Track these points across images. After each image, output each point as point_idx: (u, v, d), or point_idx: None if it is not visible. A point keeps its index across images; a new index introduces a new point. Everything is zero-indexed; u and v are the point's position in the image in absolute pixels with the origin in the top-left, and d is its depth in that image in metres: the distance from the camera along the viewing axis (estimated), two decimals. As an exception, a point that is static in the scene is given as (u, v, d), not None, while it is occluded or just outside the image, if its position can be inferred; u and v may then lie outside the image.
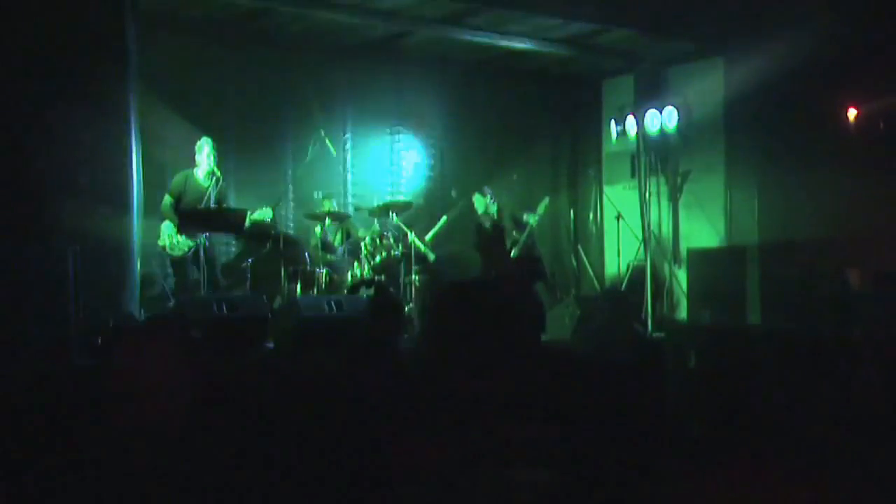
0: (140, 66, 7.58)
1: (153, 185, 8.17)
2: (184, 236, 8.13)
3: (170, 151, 8.94)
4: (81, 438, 2.41)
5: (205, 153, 8.24)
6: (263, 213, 8.33)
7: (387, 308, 4.65)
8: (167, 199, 8.20)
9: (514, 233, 9.71)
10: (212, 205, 8.17)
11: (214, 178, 8.19)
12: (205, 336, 6.61)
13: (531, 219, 9.64)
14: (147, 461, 2.13)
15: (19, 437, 2.52)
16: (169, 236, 8.14)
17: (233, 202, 9.06)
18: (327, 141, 9.46)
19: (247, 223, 8.30)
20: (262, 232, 8.81)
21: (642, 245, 10.56)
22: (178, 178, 8.29)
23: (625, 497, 2.10)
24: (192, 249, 8.10)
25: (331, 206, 9.30)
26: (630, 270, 10.71)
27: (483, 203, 9.84)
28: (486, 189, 9.93)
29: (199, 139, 8.37)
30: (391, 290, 8.69)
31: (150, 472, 2.10)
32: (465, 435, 2.32)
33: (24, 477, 2.16)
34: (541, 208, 9.72)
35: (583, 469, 2.20)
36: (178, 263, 8.25)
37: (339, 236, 9.47)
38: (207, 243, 8.14)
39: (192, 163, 8.35)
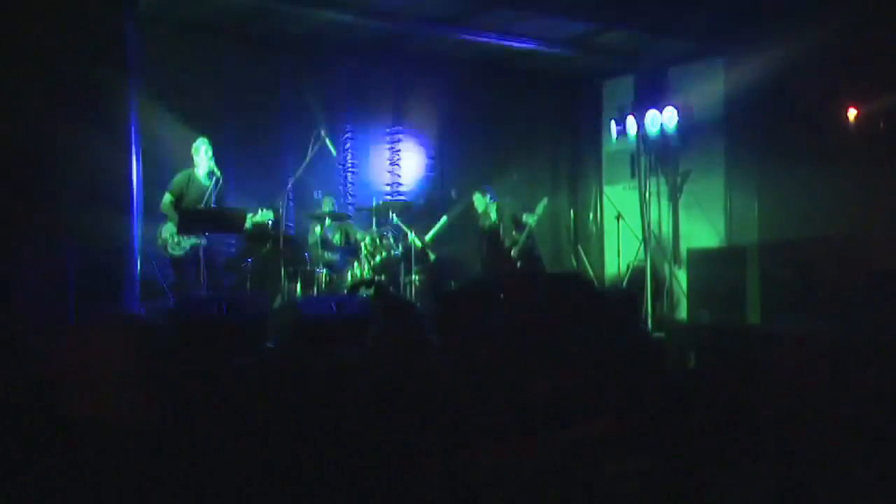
0: (140, 66, 7.58)
1: (153, 185, 8.16)
2: (186, 239, 8.12)
3: (169, 151, 8.94)
4: (81, 439, 2.40)
5: (202, 152, 8.25)
6: (265, 215, 8.33)
7: (396, 309, 4.57)
8: (168, 196, 8.20)
9: (514, 233, 9.72)
10: (212, 204, 8.18)
11: (214, 178, 8.20)
12: (193, 333, 6.59)
13: (530, 219, 9.64)
14: (112, 460, 2.12)
15: (19, 437, 2.51)
16: (170, 235, 8.14)
17: (233, 202, 9.06)
18: (327, 141, 9.45)
19: (248, 224, 8.31)
20: (262, 232, 8.81)
21: (642, 245, 10.56)
22: (180, 177, 8.29)
23: (714, 483, 2.08)
24: (192, 249, 8.10)
25: (331, 205, 9.31)
26: (630, 270, 10.71)
27: (483, 202, 9.86)
28: (487, 188, 9.95)
29: (195, 140, 8.37)
30: (391, 289, 8.69)
31: (115, 472, 2.09)
32: (538, 434, 2.32)
33: (23, 477, 2.15)
34: (539, 209, 9.72)
35: (668, 458, 2.18)
36: (178, 263, 8.24)
37: (338, 236, 9.47)
38: (207, 242, 8.14)
39: (191, 163, 8.35)
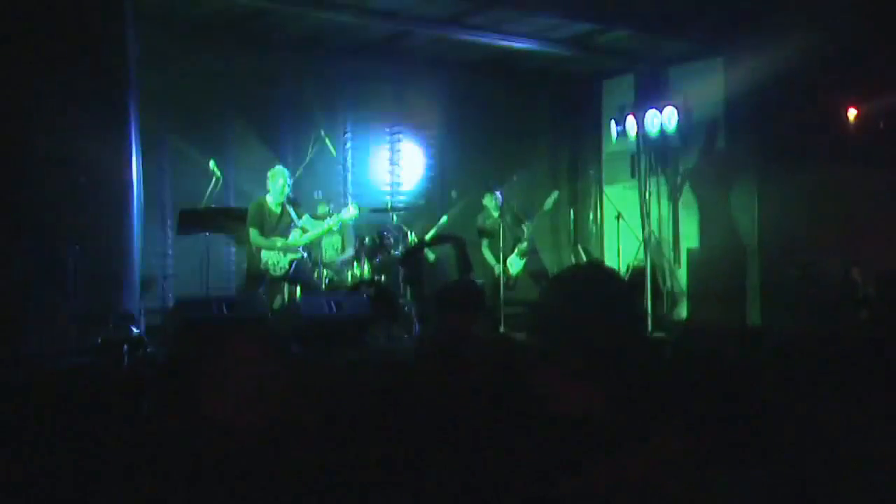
0: (140, 67, 7.58)
1: (152, 185, 8.17)
2: (284, 258, 8.20)
3: (169, 152, 8.96)
4: (81, 439, 2.41)
5: (279, 184, 8.24)
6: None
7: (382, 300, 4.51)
8: (253, 232, 8.18)
9: (518, 230, 9.65)
10: (297, 231, 8.28)
11: (284, 208, 8.26)
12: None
13: (541, 208, 9.65)
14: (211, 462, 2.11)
15: (18, 437, 2.52)
16: (269, 258, 8.20)
17: (233, 202, 9.07)
18: (327, 141, 9.45)
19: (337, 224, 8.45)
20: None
21: (642, 245, 10.56)
22: (254, 208, 8.30)
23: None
24: (288, 269, 8.24)
25: (326, 210, 9.09)
26: (630, 270, 10.71)
27: (493, 203, 9.62)
28: (498, 193, 9.67)
29: (275, 167, 8.39)
30: (390, 289, 8.70)
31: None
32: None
33: (23, 477, 2.16)
34: (549, 203, 9.66)
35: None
36: (276, 282, 8.40)
37: (336, 246, 9.36)
38: (301, 259, 8.31)
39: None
